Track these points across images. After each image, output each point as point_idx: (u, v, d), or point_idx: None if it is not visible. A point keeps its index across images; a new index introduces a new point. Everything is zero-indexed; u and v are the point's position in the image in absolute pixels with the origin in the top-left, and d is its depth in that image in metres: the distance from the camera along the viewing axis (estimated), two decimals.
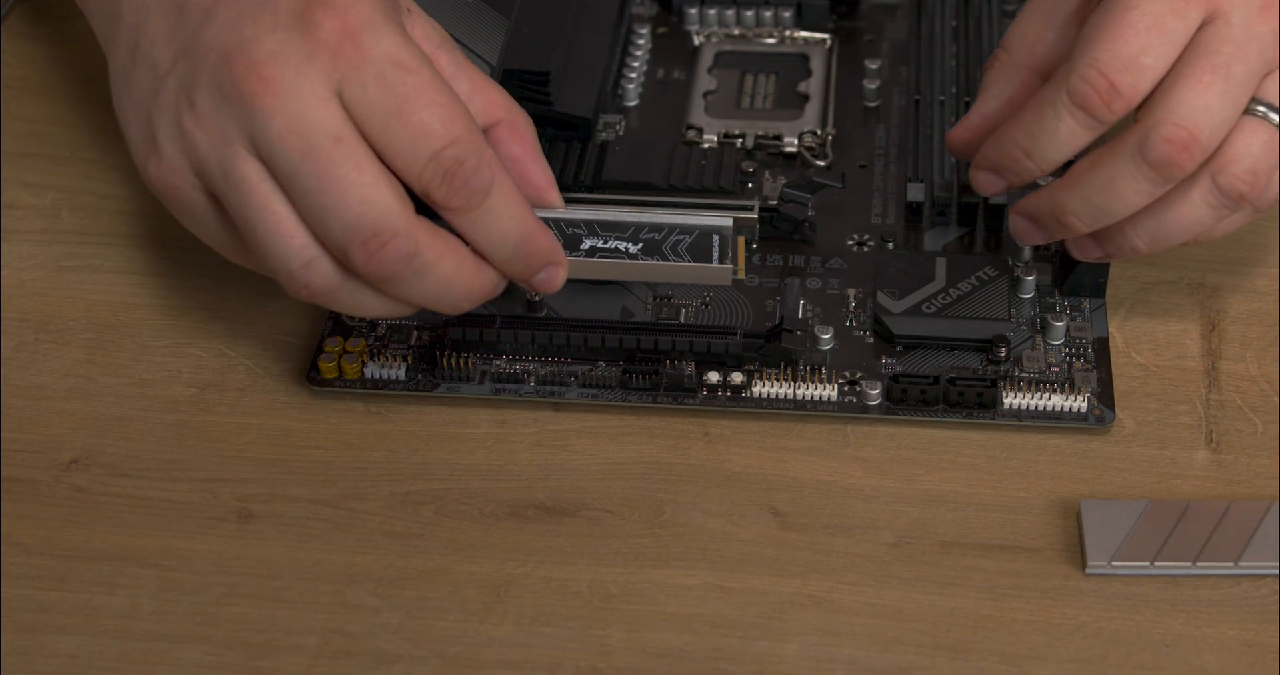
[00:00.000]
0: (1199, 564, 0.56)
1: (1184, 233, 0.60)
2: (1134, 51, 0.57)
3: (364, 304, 0.58)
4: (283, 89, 0.55)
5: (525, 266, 0.58)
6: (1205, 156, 0.58)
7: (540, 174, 0.59)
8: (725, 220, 0.60)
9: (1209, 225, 0.59)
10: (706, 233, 0.60)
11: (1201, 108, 0.57)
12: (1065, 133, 0.58)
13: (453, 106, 0.56)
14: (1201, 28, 0.58)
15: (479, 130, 0.56)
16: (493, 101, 0.59)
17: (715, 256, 0.60)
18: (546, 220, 0.59)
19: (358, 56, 0.55)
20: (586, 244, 0.60)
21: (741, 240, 0.61)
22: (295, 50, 0.55)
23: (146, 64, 0.58)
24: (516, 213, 0.57)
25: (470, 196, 0.56)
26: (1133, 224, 0.60)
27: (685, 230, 0.60)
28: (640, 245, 0.60)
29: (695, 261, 0.60)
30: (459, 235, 0.57)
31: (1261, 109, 0.58)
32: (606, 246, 0.60)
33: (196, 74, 0.56)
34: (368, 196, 0.55)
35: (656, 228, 0.60)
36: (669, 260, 0.60)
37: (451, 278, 0.57)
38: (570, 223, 0.60)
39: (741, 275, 0.61)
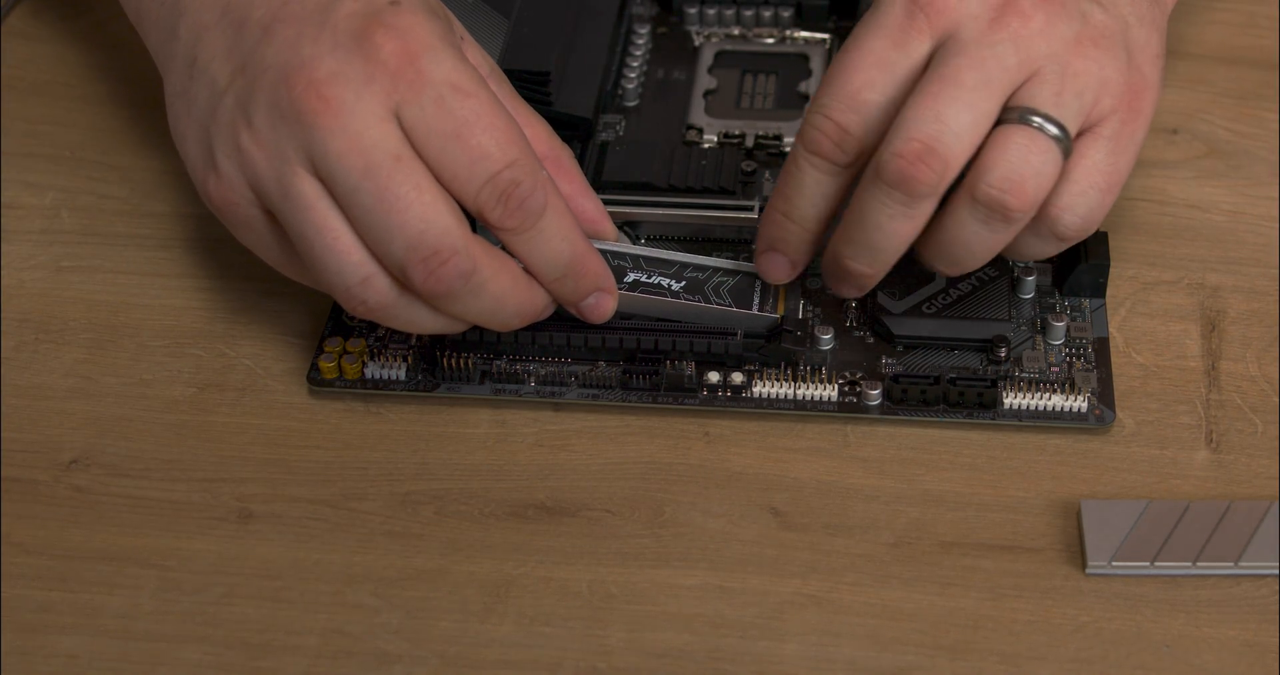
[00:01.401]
0: (1199, 564, 0.56)
1: (971, 252, 0.58)
2: (855, 88, 0.57)
3: (418, 320, 0.58)
4: (342, 109, 0.55)
5: (575, 287, 0.59)
6: (949, 167, 0.56)
7: (592, 208, 0.61)
8: None
9: (993, 241, 0.57)
10: (750, 276, 0.62)
11: (932, 117, 0.55)
12: (810, 183, 0.58)
13: (509, 130, 0.56)
14: (935, 52, 0.57)
15: (534, 153, 0.57)
16: (537, 135, 0.60)
17: (756, 302, 0.61)
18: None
19: (417, 79, 0.55)
20: (631, 277, 0.61)
21: (783, 287, 0.62)
22: (355, 71, 0.55)
23: (204, 80, 0.58)
24: (569, 234, 0.58)
25: (525, 217, 0.57)
26: (923, 250, 0.59)
27: (729, 272, 0.62)
28: (683, 283, 0.61)
29: (737, 305, 0.61)
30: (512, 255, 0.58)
31: (1017, 114, 0.56)
32: (650, 281, 0.61)
33: (254, 91, 0.56)
34: (427, 215, 0.55)
35: (701, 267, 0.62)
36: (711, 301, 0.61)
37: (506, 295, 0.57)
38: (616, 254, 0.61)
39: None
